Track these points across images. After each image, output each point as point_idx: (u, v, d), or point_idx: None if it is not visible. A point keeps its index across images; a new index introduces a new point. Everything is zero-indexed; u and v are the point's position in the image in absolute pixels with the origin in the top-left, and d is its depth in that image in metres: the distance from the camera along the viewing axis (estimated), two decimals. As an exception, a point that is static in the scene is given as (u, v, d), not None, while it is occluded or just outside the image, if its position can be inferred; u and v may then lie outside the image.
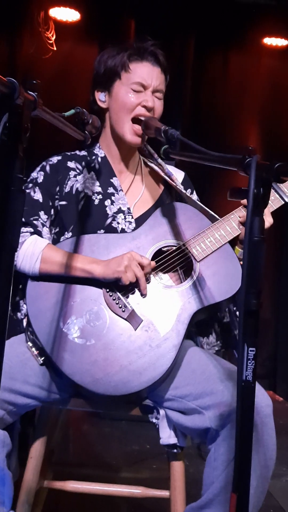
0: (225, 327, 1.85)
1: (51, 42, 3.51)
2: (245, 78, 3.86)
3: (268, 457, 1.54)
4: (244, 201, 1.68)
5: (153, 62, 1.81)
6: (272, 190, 1.75)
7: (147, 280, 1.70)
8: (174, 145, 1.65)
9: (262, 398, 1.54)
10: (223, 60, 3.86)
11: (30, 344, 1.69)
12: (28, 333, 1.70)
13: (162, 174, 1.92)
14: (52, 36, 3.51)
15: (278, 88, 3.87)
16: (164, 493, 1.78)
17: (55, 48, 3.53)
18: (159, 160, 1.93)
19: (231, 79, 3.87)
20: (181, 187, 1.90)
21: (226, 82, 3.87)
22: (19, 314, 1.79)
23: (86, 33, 3.61)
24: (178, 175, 1.97)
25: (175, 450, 1.71)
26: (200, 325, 1.83)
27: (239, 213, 1.76)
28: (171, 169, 1.95)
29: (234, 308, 1.83)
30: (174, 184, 1.89)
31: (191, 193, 1.98)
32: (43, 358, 1.66)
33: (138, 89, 1.80)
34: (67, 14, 3.57)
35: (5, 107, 1.04)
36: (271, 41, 3.76)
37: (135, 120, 1.80)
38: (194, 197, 1.98)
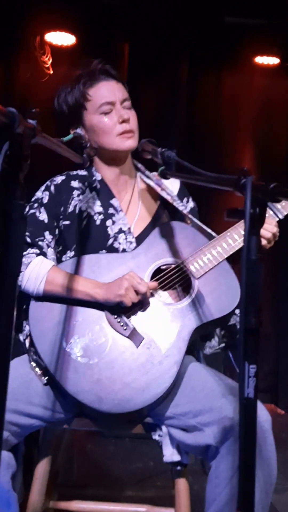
0: (230, 330, 1.86)
1: (47, 66, 3.56)
2: (238, 97, 3.90)
3: (269, 472, 1.54)
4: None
5: (105, 78, 1.85)
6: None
7: (147, 298, 1.73)
8: (170, 166, 1.68)
9: (261, 413, 1.55)
10: (216, 80, 3.91)
11: (33, 364, 1.70)
12: (31, 353, 1.72)
13: (159, 190, 1.94)
14: (48, 60, 3.56)
15: (270, 106, 3.91)
16: (169, 511, 1.78)
17: (51, 72, 3.58)
18: (150, 175, 1.96)
19: (225, 99, 3.91)
20: (176, 200, 1.92)
21: (220, 102, 3.91)
22: (21, 335, 1.80)
23: (81, 56, 3.64)
24: (174, 185, 1.98)
25: (178, 467, 1.71)
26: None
27: (236, 231, 1.79)
28: (166, 180, 1.98)
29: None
30: (172, 201, 1.91)
31: (188, 201, 2.00)
32: (46, 378, 1.67)
33: (108, 110, 1.83)
34: (63, 38, 3.63)
35: (5, 136, 1.07)
36: (262, 60, 3.80)
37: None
38: (191, 204, 2.00)
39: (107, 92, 1.83)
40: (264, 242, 1.74)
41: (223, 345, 1.87)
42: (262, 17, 3.57)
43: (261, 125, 3.94)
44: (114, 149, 1.86)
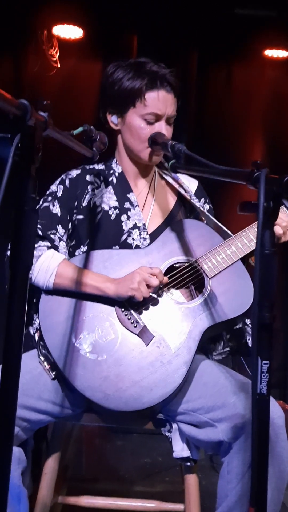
0: (236, 334, 1.85)
1: (55, 59, 3.54)
2: (248, 90, 3.86)
3: (282, 469, 1.54)
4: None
5: (168, 89, 1.80)
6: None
7: (159, 296, 1.71)
8: (180, 159, 1.66)
9: (274, 409, 1.54)
10: (226, 73, 3.87)
11: (42, 358, 1.69)
12: (40, 347, 1.71)
13: (177, 186, 1.93)
14: (56, 53, 3.54)
15: (281, 98, 3.88)
16: (178, 507, 1.78)
17: (59, 66, 3.56)
18: (166, 165, 1.95)
19: (234, 91, 3.88)
20: (194, 198, 1.91)
21: (229, 94, 3.88)
22: (31, 328, 1.80)
23: (89, 49, 3.62)
24: (191, 185, 1.98)
25: (188, 463, 1.71)
26: None
27: (251, 231, 1.77)
28: (184, 178, 1.96)
29: (246, 320, 1.83)
30: (189, 197, 1.90)
31: (205, 202, 1.99)
32: (54, 373, 1.66)
33: (152, 120, 1.79)
34: (70, 32, 3.59)
35: (17, 128, 1.05)
36: (272, 52, 3.76)
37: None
38: (207, 206, 1.99)
39: (162, 104, 1.79)
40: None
41: (227, 349, 1.86)
42: (272, 9, 3.53)
43: (271, 117, 3.90)
44: (139, 156, 1.85)
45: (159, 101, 1.78)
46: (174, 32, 3.56)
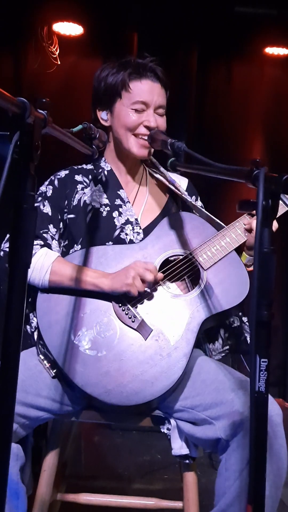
0: (234, 332, 1.86)
1: (55, 56, 3.54)
2: (248, 88, 3.87)
3: (280, 466, 1.54)
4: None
5: (153, 78, 1.80)
6: None
7: (155, 290, 1.72)
8: (180, 157, 1.66)
9: (272, 407, 1.55)
10: (226, 71, 3.87)
11: (41, 357, 1.70)
12: (39, 346, 1.72)
13: (167, 183, 1.93)
14: (56, 50, 3.54)
15: (281, 96, 3.88)
16: (177, 504, 1.79)
17: (59, 63, 3.56)
18: (162, 169, 1.95)
19: (234, 89, 3.88)
20: (186, 195, 1.92)
21: (229, 92, 3.89)
22: (29, 327, 1.80)
23: (89, 47, 3.62)
24: (182, 183, 1.98)
25: (187, 461, 1.71)
26: (206, 332, 1.84)
27: (244, 221, 1.78)
28: (174, 177, 1.97)
29: (240, 314, 1.84)
30: (179, 192, 1.91)
31: (196, 199, 2.00)
32: (55, 371, 1.67)
33: (140, 108, 1.79)
34: (71, 29, 3.60)
35: (16, 126, 1.05)
36: (272, 50, 3.76)
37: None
38: (199, 203, 2.00)
39: (147, 93, 1.79)
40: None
41: (227, 347, 1.87)
42: (272, 7, 3.53)
43: (271, 115, 3.91)
44: (127, 149, 1.85)
45: (144, 89, 1.79)
46: (174, 29, 3.56)
